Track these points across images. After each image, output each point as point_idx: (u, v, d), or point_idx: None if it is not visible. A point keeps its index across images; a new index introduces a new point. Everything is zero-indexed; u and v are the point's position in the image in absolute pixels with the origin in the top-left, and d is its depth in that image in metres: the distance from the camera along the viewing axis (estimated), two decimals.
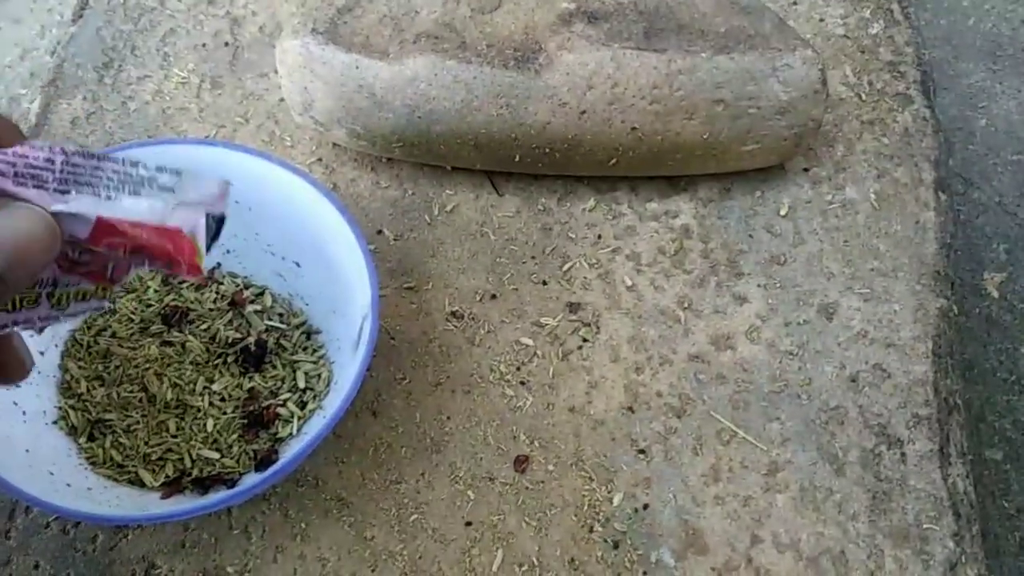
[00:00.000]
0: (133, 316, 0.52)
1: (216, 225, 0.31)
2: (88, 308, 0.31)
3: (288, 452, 0.47)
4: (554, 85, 0.52)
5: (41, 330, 0.30)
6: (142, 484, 0.47)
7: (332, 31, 0.53)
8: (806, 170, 0.61)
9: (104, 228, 0.28)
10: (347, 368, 0.48)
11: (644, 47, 0.51)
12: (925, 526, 0.48)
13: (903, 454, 0.50)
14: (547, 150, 0.55)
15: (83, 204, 0.27)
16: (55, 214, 0.26)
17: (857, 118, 0.63)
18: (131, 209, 0.28)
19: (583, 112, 0.53)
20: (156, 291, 0.53)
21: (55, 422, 0.48)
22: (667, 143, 0.54)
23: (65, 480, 0.45)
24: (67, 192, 0.27)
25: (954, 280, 0.56)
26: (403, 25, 0.54)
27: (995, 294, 0.77)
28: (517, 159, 0.56)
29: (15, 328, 0.29)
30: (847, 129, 0.62)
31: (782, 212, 0.59)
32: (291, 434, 0.49)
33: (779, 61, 0.52)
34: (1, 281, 0.24)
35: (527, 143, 0.54)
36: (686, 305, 0.56)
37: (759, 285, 0.57)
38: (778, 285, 0.57)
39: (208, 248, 0.31)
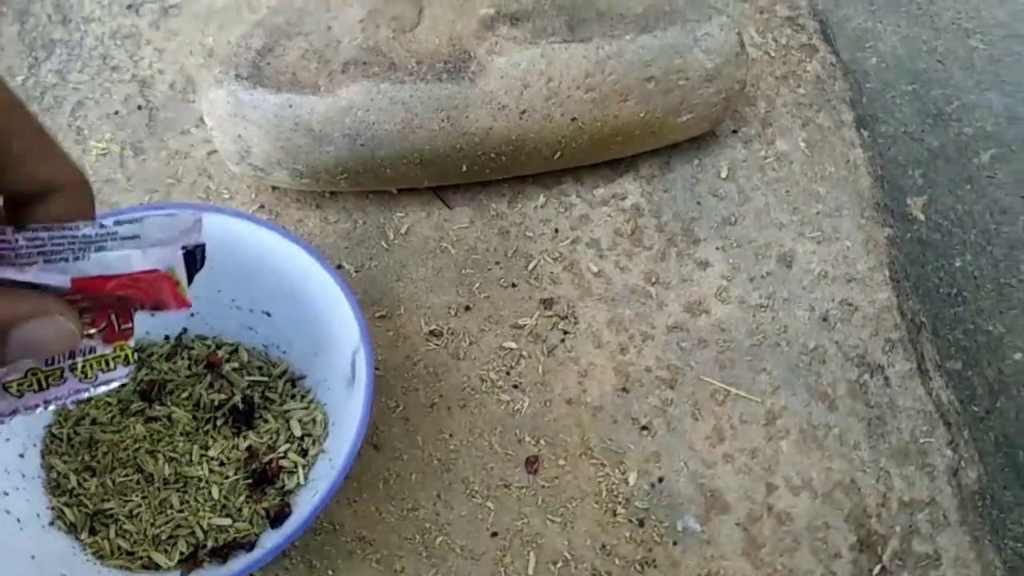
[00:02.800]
0: (110, 398, 0.49)
1: (199, 255, 0.31)
2: (118, 377, 0.31)
3: (302, 502, 0.46)
4: (490, 90, 0.53)
5: (76, 403, 0.31)
6: (157, 567, 0.45)
7: (256, 74, 0.53)
8: (735, 131, 0.63)
9: (83, 287, 0.28)
10: (343, 407, 0.48)
11: (570, 39, 0.53)
12: (922, 440, 0.51)
13: (886, 378, 0.53)
14: (493, 155, 0.55)
15: (51, 272, 0.27)
16: (29, 283, 0.26)
17: (771, 75, 0.66)
18: (100, 263, 0.28)
19: (523, 112, 0.53)
20: None
21: (51, 523, 0.46)
22: (607, 128, 0.55)
23: None
24: (34, 263, 0.27)
25: (893, 209, 0.60)
26: (327, 56, 0.53)
27: (921, 217, 0.82)
28: (464, 169, 0.56)
29: (47, 408, 0.29)
30: (764, 87, 0.65)
31: (723, 175, 0.62)
32: (299, 484, 0.48)
33: (699, 31, 0.54)
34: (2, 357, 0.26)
35: (472, 151, 0.55)
36: (654, 280, 0.58)
37: (717, 248, 0.59)
38: (735, 244, 0.59)
39: (191, 279, 0.31)
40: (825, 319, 0.55)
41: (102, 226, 0.28)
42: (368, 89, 0.52)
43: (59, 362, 0.29)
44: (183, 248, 0.30)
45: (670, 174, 0.62)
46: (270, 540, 0.44)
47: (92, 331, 0.30)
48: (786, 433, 0.52)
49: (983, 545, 0.48)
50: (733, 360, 0.55)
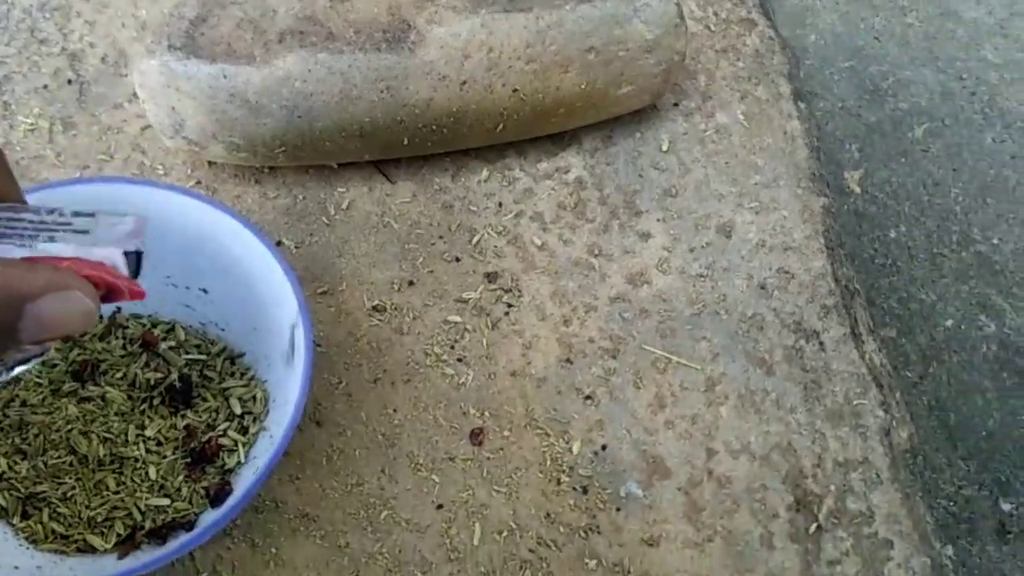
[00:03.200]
0: (40, 380, 0.48)
1: (136, 261, 0.31)
2: (30, 355, 0.30)
3: (243, 480, 0.46)
4: (430, 60, 0.52)
5: None
6: (93, 550, 0.44)
7: (190, 44, 0.51)
8: (676, 104, 0.64)
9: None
10: (283, 383, 0.47)
11: (510, 8, 0.52)
12: (855, 402, 0.52)
13: (821, 343, 0.54)
14: (434, 127, 0.55)
15: (3, 251, 0.27)
16: None
17: (711, 48, 0.66)
18: (48, 253, 0.28)
19: (464, 83, 0.53)
20: (58, 349, 0.49)
21: None
22: (548, 99, 0.55)
23: (11, 564, 0.41)
24: None
25: (830, 181, 0.61)
26: (263, 26, 0.52)
27: (857, 189, 0.84)
28: (406, 142, 0.56)
29: None
30: (704, 60, 0.66)
31: (664, 148, 0.62)
32: (239, 462, 0.48)
33: (639, 2, 0.54)
34: (16, 335, 0.25)
35: (413, 124, 0.54)
36: (596, 252, 0.58)
37: (658, 219, 0.59)
38: (675, 216, 0.59)
39: (133, 276, 0.31)
40: (763, 287, 0.56)
41: (61, 213, 0.29)
42: (305, 59, 0.51)
43: None
44: (124, 252, 0.30)
45: (612, 147, 0.62)
46: (209, 519, 0.44)
47: None
48: (725, 399, 0.53)
49: (914, 501, 0.50)
50: (674, 329, 0.55)
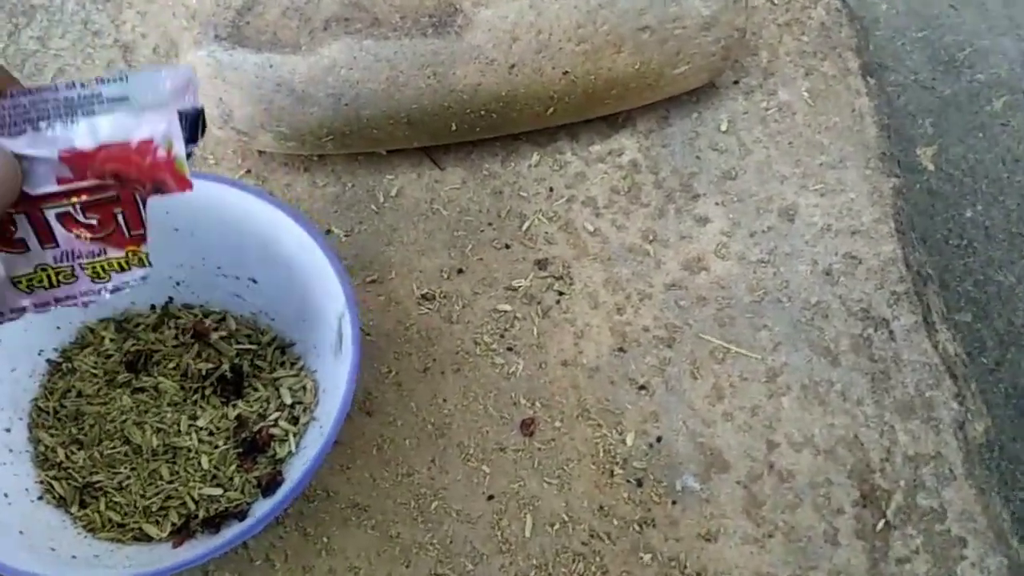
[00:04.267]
0: (95, 370, 0.49)
1: (192, 121, 0.27)
2: (133, 278, 0.29)
3: (293, 470, 0.46)
4: (478, 44, 0.51)
5: (86, 304, 0.29)
6: (149, 538, 0.45)
7: (236, 34, 0.51)
8: (736, 83, 0.61)
9: (73, 163, 0.25)
10: (332, 373, 0.47)
11: None
12: (927, 394, 0.49)
13: (891, 332, 0.51)
14: (483, 112, 0.54)
15: (40, 143, 0.25)
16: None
17: (773, 22, 0.63)
18: (91, 131, 0.25)
19: (512, 66, 0.52)
20: (112, 340, 0.50)
21: (40, 497, 0.45)
22: (601, 81, 0.54)
23: (70, 553, 0.42)
24: (22, 133, 0.25)
25: (901, 159, 0.57)
26: (308, 13, 0.51)
27: (931, 167, 0.80)
28: (454, 128, 0.55)
29: (57, 306, 0.28)
30: (767, 35, 0.63)
31: (723, 128, 0.60)
32: (290, 452, 0.47)
33: None
34: None
35: (461, 109, 0.53)
36: (651, 238, 0.56)
37: (717, 203, 0.57)
38: (735, 199, 0.57)
39: (189, 152, 0.28)
40: (828, 273, 0.54)
41: (83, 86, 0.26)
42: (351, 46, 0.50)
43: (70, 261, 0.28)
44: (180, 112, 0.26)
45: (668, 128, 0.60)
46: (261, 509, 0.44)
47: (100, 234, 0.28)
48: (787, 390, 0.50)
49: (990, 498, 0.47)
50: (733, 317, 0.53)
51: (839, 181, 0.57)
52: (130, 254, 0.29)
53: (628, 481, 0.49)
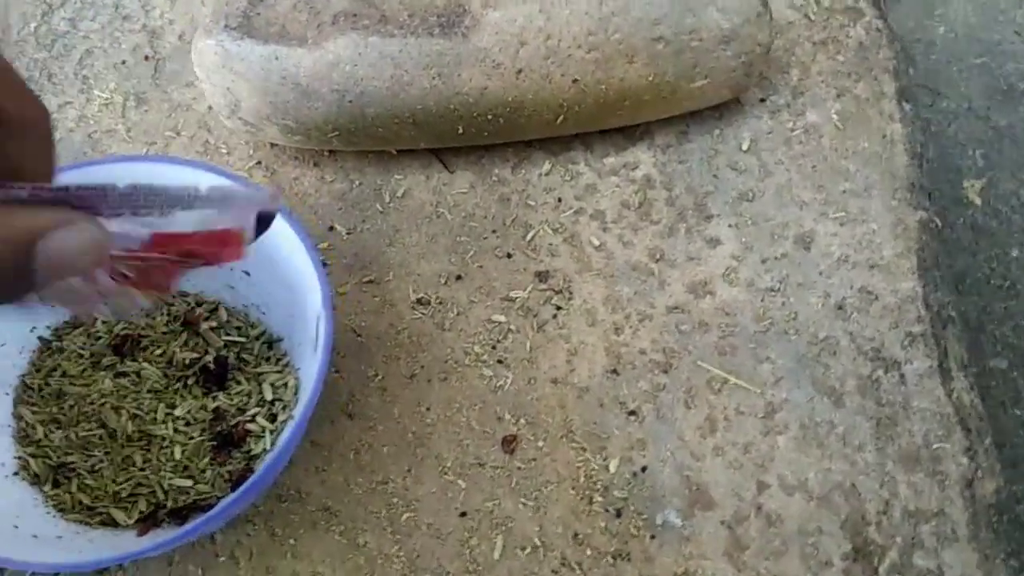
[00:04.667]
0: (83, 351, 0.49)
1: (265, 222, 0.31)
2: (136, 307, 0.31)
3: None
4: (484, 47, 0.49)
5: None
6: (116, 524, 0.45)
7: (246, 24, 0.51)
8: (763, 100, 0.58)
9: (159, 240, 0.28)
10: (310, 372, 0.46)
11: None
12: (935, 446, 0.46)
13: (902, 375, 0.48)
14: (489, 117, 0.52)
15: (136, 224, 0.28)
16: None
17: (808, 40, 0.60)
18: (182, 221, 0.28)
19: (519, 71, 0.50)
20: (104, 322, 0.50)
21: (16, 473, 0.46)
22: (612, 91, 0.52)
23: (31, 532, 0.42)
24: (120, 215, 0.27)
25: (931, 190, 0.54)
26: (319, 7, 0.51)
27: (977, 201, 0.75)
28: (461, 131, 0.53)
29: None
30: (800, 52, 0.60)
31: (744, 147, 0.57)
32: (265, 449, 0.47)
33: None
34: (32, 276, 0.25)
35: (467, 112, 0.52)
36: (658, 257, 0.54)
37: (730, 225, 0.54)
38: (750, 222, 0.54)
39: (252, 240, 0.31)
40: (841, 307, 0.51)
41: (196, 190, 0.29)
42: (356, 42, 0.50)
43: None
44: (259, 212, 0.30)
45: (687, 144, 0.58)
46: (226, 502, 0.43)
47: (132, 282, 0.30)
48: (785, 428, 0.48)
49: (993, 565, 0.43)
50: (735, 346, 0.51)
51: (862, 210, 0.53)
52: (143, 297, 0.32)
53: (607, 510, 0.47)
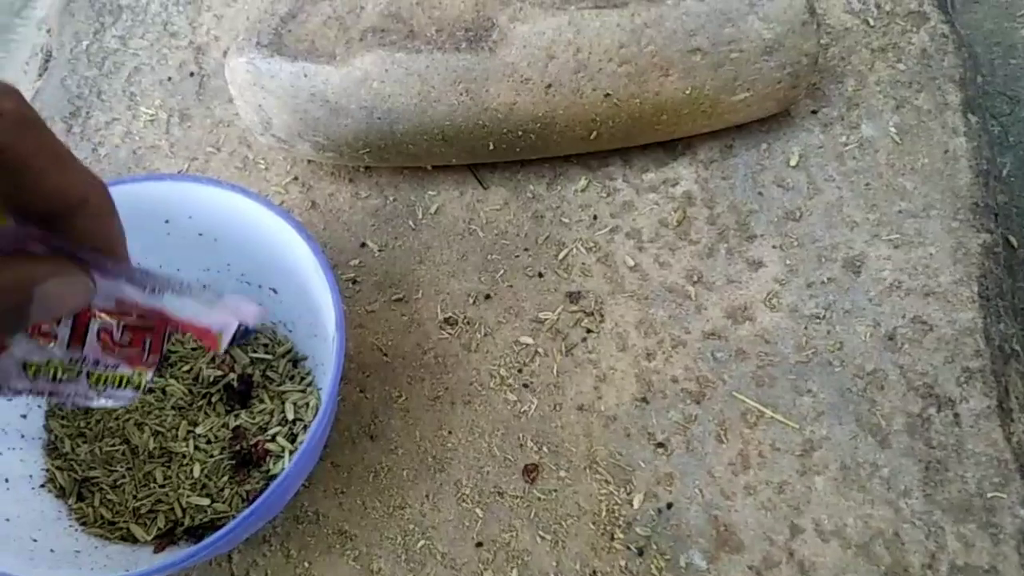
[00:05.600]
0: None
1: (241, 332, 0.35)
2: (123, 397, 0.32)
3: (274, 485, 0.45)
4: (512, 61, 0.48)
5: (74, 405, 0.33)
6: (135, 540, 0.45)
7: (277, 42, 0.51)
8: (814, 112, 0.55)
9: (144, 311, 0.30)
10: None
11: (603, 4, 0.47)
12: (990, 495, 0.42)
13: (956, 415, 0.44)
14: (520, 133, 0.51)
15: (142, 293, 0.29)
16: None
17: (866, 46, 0.56)
18: (179, 306, 0.30)
19: (549, 86, 0.48)
20: None
21: (42, 485, 0.47)
22: (647, 106, 0.49)
23: (49, 546, 0.43)
24: (141, 287, 0.29)
25: (997, 211, 0.50)
26: (348, 23, 0.50)
27: None
28: (492, 147, 0.52)
29: (50, 399, 0.31)
30: (856, 60, 0.56)
31: (792, 162, 0.54)
32: (284, 469, 0.46)
33: None
34: (27, 320, 0.27)
35: (496, 128, 0.50)
36: (696, 279, 0.51)
37: (774, 246, 0.51)
38: (796, 243, 0.51)
39: (225, 347, 0.33)
40: (891, 338, 0.47)
41: (204, 287, 0.31)
42: (383, 59, 0.49)
43: (81, 365, 0.31)
44: (239, 323, 0.32)
45: (732, 159, 0.55)
46: (237, 520, 0.43)
47: (124, 351, 0.31)
48: (823, 468, 0.44)
49: None
50: (774, 377, 0.47)
51: (918, 232, 0.49)
52: (136, 375, 0.32)
53: (628, 548, 0.44)
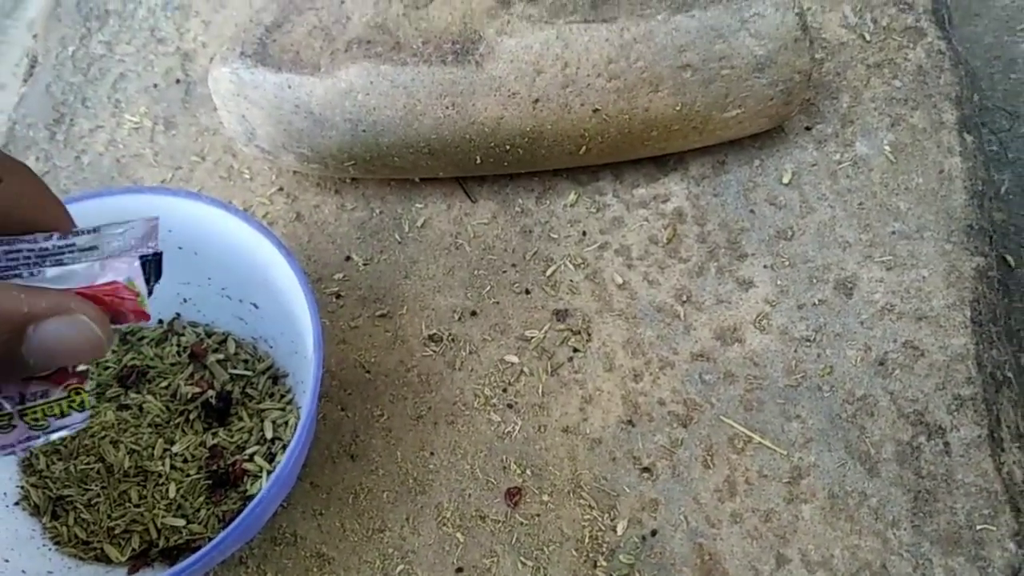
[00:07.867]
0: (91, 379, 0.49)
1: (155, 264, 0.29)
2: (73, 423, 0.29)
3: (250, 507, 0.44)
4: (499, 75, 0.47)
5: (28, 451, 0.30)
6: (109, 560, 0.44)
7: (261, 52, 0.50)
8: (808, 129, 0.54)
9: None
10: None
11: (592, 19, 0.46)
12: (979, 527, 0.41)
13: (946, 444, 0.43)
14: (507, 147, 0.50)
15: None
16: None
17: (862, 62, 0.55)
18: (59, 278, 0.27)
19: (536, 100, 0.47)
20: (114, 351, 0.50)
21: (17, 503, 0.46)
22: (636, 121, 0.48)
23: (21, 567, 0.42)
24: None
25: (992, 232, 0.49)
26: (334, 34, 0.49)
27: None
28: (479, 161, 0.51)
29: (2, 452, 0.28)
30: (851, 76, 0.55)
31: (785, 180, 0.53)
32: (261, 490, 0.46)
33: (747, 11, 0.45)
34: (25, 368, 0.24)
35: (483, 143, 0.50)
36: (685, 298, 0.50)
37: (765, 266, 0.50)
38: (787, 263, 0.50)
39: (151, 289, 0.29)
40: (882, 363, 0.46)
41: (60, 238, 0.28)
42: (368, 71, 0.48)
43: (4, 408, 0.28)
44: (141, 257, 0.29)
45: (724, 175, 0.54)
46: (212, 543, 0.42)
47: (43, 375, 0.28)
48: (811, 496, 0.44)
49: None
50: (762, 401, 0.47)
51: (911, 254, 0.48)
52: (72, 393, 0.29)
53: None
